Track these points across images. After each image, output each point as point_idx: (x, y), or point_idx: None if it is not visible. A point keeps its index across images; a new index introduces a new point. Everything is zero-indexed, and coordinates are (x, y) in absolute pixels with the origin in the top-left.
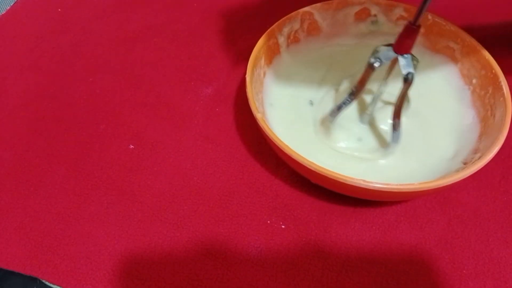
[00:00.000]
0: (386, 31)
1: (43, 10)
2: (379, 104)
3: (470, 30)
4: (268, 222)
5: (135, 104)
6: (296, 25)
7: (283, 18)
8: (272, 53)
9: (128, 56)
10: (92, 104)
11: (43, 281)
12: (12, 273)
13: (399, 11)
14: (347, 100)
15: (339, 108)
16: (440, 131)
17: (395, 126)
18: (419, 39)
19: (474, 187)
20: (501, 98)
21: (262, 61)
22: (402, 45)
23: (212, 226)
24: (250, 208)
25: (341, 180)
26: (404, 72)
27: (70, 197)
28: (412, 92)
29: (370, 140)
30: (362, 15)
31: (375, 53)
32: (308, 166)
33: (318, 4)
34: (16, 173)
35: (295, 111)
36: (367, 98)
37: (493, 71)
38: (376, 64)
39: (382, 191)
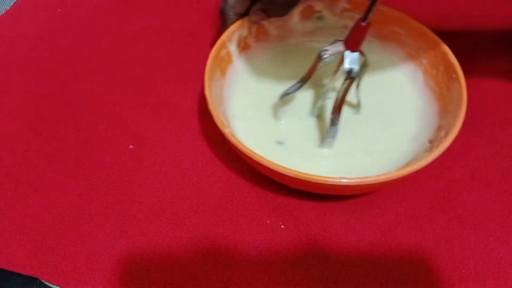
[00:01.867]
0: (332, 25)
1: (43, 10)
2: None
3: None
4: (268, 222)
5: (135, 104)
6: (245, 32)
7: (232, 26)
8: (226, 63)
9: (128, 56)
10: (92, 104)
11: (43, 281)
12: (12, 273)
13: (342, 4)
14: (295, 86)
15: (286, 93)
16: (400, 115)
17: (333, 121)
18: None
19: (473, 187)
20: (454, 75)
21: (218, 73)
22: (350, 41)
23: (212, 226)
24: (250, 208)
25: (314, 180)
26: (347, 66)
27: (70, 197)
28: (367, 81)
29: (313, 132)
30: (307, 13)
31: (330, 44)
32: (286, 174)
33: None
34: (16, 173)
35: (259, 119)
36: (320, 92)
37: (442, 50)
38: (323, 54)
39: (363, 184)
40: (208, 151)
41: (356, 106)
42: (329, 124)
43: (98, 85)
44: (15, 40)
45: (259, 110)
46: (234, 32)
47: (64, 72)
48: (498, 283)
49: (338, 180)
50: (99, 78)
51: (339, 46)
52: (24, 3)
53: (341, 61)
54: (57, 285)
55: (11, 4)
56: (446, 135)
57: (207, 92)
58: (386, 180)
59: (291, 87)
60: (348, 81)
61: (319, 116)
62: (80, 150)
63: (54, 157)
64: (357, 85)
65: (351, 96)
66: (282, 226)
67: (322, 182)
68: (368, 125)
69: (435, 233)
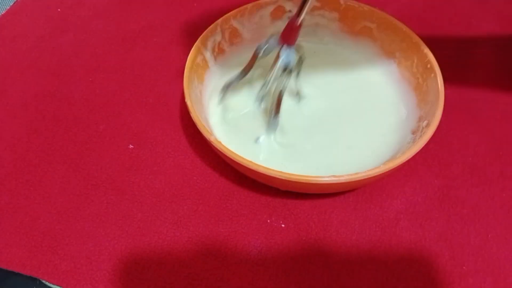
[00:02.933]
0: (304, 23)
1: (43, 10)
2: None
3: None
4: (268, 221)
5: (135, 104)
6: (218, 37)
7: (205, 32)
8: (202, 70)
9: (128, 56)
10: (92, 104)
11: (43, 281)
12: (12, 273)
13: (312, 2)
14: (236, 79)
15: (227, 86)
16: (379, 108)
17: (274, 112)
18: (337, 24)
19: (473, 184)
20: (428, 65)
21: (196, 81)
22: (286, 36)
23: (212, 226)
24: (250, 208)
25: (313, 182)
26: (283, 61)
27: (70, 197)
28: (343, 78)
29: (255, 121)
30: (278, 13)
31: (266, 40)
32: (278, 177)
33: (234, 11)
34: (16, 173)
35: (239, 123)
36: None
37: (414, 41)
38: (258, 50)
39: (354, 181)
40: (208, 150)
41: (297, 96)
42: (270, 116)
43: (98, 85)
44: (15, 40)
45: (239, 113)
46: (208, 38)
47: (64, 72)
48: (498, 280)
49: (322, 179)
50: (99, 78)
51: (274, 42)
52: (24, 3)
53: (278, 54)
54: (57, 285)
55: (11, 4)
56: (428, 124)
57: (188, 101)
58: (371, 176)
59: (230, 81)
60: (285, 75)
61: (262, 106)
62: (80, 150)
63: (54, 157)
64: (297, 75)
65: (310, 88)
66: (283, 225)
67: (308, 182)
68: (349, 121)
69: (435, 230)
